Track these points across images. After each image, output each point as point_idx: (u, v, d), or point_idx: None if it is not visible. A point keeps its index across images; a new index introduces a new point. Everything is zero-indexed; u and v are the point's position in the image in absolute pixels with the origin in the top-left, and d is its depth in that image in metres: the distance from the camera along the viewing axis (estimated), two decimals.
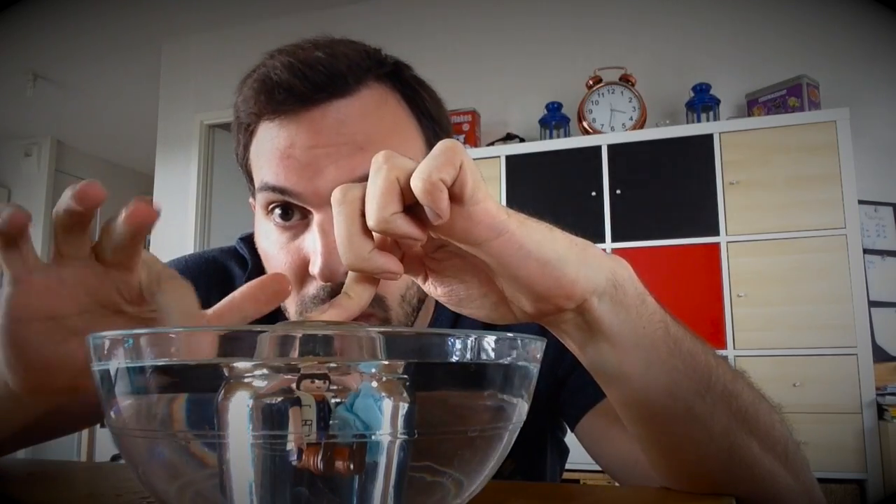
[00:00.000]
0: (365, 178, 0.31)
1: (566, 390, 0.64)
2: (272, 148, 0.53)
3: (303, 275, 0.53)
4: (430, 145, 0.58)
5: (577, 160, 2.57)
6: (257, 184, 0.55)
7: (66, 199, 0.32)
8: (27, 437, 0.56)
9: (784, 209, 2.31)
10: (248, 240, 0.71)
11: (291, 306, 0.55)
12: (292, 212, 0.53)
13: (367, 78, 0.54)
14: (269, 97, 0.52)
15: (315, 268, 0.51)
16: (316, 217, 0.52)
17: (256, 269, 0.67)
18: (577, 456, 0.70)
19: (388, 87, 0.55)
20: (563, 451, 0.75)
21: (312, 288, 0.53)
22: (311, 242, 0.52)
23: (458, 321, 0.64)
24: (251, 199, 0.62)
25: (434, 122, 0.59)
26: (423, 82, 0.59)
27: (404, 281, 0.55)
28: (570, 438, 0.72)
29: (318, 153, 0.51)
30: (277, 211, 0.54)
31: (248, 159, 0.57)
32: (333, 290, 0.52)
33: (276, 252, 0.55)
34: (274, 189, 0.52)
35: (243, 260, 0.70)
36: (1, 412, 0.38)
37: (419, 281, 0.39)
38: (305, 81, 0.51)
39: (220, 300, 0.67)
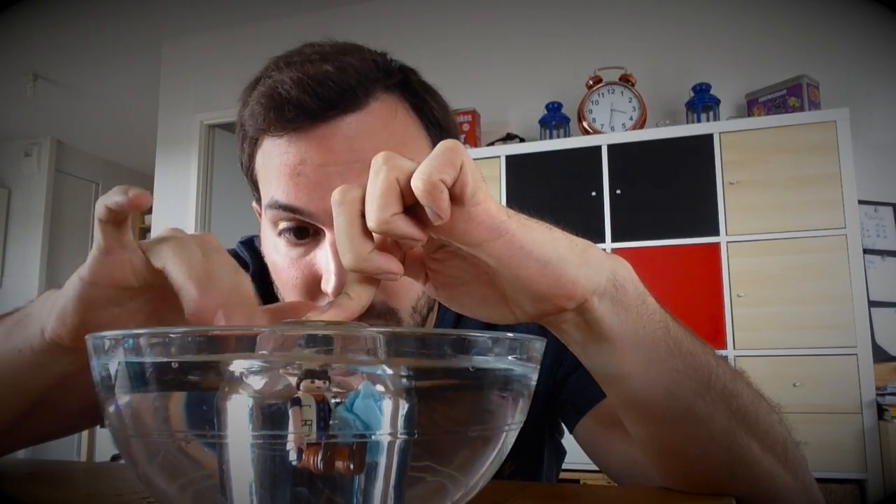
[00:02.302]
0: None
1: (565, 391, 0.64)
2: (281, 164, 0.52)
3: (314, 290, 0.53)
4: None
5: (577, 160, 2.57)
6: (266, 200, 0.54)
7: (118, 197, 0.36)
8: (30, 436, 0.57)
9: (784, 209, 2.31)
10: (249, 243, 0.71)
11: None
12: (304, 231, 0.53)
13: (377, 90, 0.53)
14: (278, 114, 0.51)
15: (328, 286, 0.50)
16: (329, 236, 0.51)
17: (258, 274, 0.66)
18: (577, 456, 0.70)
19: (396, 97, 0.55)
20: (561, 454, 0.75)
21: (323, 303, 0.53)
22: (324, 260, 0.51)
23: (460, 322, 0.64)
24: (255, 205, 0.61)
25: (442, 130, 0.58)
26: (430, 88, 0.59)
27: (415, 292, 0.54)
28: (567, 441, 0.71)
29: (330, 171, 0.50)
30: (289, 230, 0.53)
31: (254, 170, 0.57)
32: None
33: (287, 267, 0.54)
34: (285, 208, 0.52)
35: (244, 264, 0.69)
36: (26, 366, 0.43)
37: (419, 282, 0.39)
38: (315, 97, 0.50)
39: None
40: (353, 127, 0.51)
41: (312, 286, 0.53)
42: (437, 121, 0.58)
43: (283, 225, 0.53)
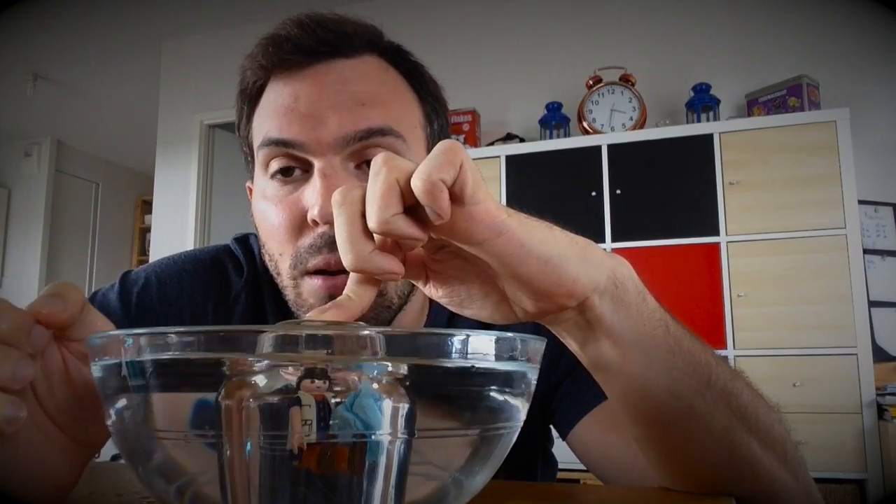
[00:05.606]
0: (366, 133, 0.32)
1: (559, 396, 0.63)
2: (276, 106, 0.54)
3: (300, 225, 0.54)
4: (428, 119, 0.60)
5: (577, 160, 2.57)
6: (259, 142, 0.55)
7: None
8: None
9: (784, 209, 2.31)
10: (244, 240, 0.70)
11: (286, 260, 0.55)
12: (292, 170, 0.54)
13: (371, 49, 0.57)
14: (276, 48, 0.54)
15: (315, 209, 0.51)
16: (317, 164, 0.53)
17: (252, 274, 0.66)
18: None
19: (389, 61, 0.58)
20: (553, 464, 0.74)
21: (309, 238, 0.53)
22: (311, 193, 0.52)
23: (452, 321, 0.64)
24: (248, 184, 0.62)
25: (433, 98, 0.61)
26: (421, 65, 0.61)
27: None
28: (558, 449, 0.71)
29: (322, 105, 0.53)
30: (278, 168, 0.54)
31: (251, 129, 0.58)
32: (332, 237, 0.51)
33: (274, 206, 0.55)
34: (277, 143, 0.53)
35: (237, 261, 0.68)
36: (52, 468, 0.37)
37: (420, 283, 0.39)
38: (313, 36, 0.53)
39: (217, 305, 0.65)
40: (346, 71, 0.54)
41: (299, 220, 0.54)
42: (428, 90, 0.60)
43: (273, 166, 0.55)
